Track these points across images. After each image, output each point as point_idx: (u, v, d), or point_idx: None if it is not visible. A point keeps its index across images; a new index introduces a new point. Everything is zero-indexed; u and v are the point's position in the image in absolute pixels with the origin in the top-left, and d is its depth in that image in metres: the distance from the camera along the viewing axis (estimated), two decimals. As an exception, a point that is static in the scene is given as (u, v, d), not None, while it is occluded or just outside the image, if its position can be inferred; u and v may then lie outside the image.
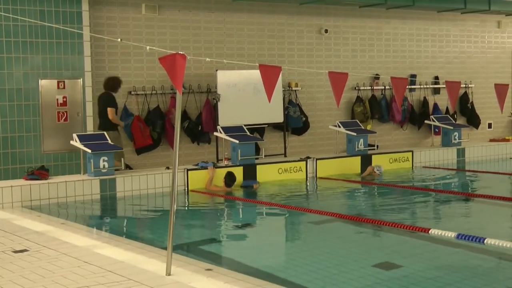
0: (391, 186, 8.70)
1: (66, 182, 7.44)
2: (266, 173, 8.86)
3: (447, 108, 12.16)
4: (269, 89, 4.92)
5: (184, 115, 9.64)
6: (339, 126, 9.96)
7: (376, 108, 11.32)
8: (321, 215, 6.56)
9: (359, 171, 9.65)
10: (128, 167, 8.83)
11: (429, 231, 5.50)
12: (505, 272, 4.72)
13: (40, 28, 8.39)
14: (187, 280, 4.02)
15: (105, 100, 8.26)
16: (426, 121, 11.46)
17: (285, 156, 10.27)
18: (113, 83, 8.40)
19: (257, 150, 9.48)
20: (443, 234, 5.39)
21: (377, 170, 9.33)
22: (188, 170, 8.31)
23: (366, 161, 9.75)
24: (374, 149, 10.13)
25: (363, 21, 11.36)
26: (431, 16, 12.09)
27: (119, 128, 8.46)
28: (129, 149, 9.27)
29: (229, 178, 8.21)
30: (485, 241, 5.05)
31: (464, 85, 12.27)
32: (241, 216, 7.22)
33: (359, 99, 11.23)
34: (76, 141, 7.80)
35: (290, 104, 10.51)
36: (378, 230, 5.98)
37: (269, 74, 4.96)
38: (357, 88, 11.25)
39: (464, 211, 7.20)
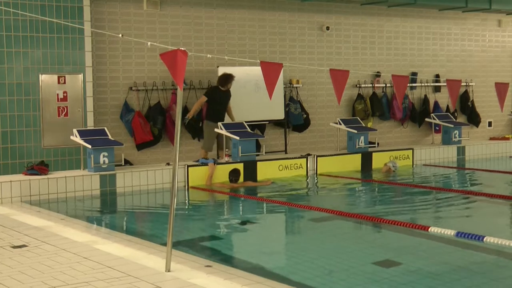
0: (391, 184, 8.69)
1: (66, 177, 7.43)
2: (266, 170, 8.85)
3: (447, 106, 12.15)
4: (270, 86, 4.91)
5: (185, 111, 9.62)
6: (340, 124, 9.95)
7: (377, 105, 11.30)
8: (321, 212, 6.56)
9: (360, 169, 9.65)
10: (128, 163, 8.83)
11: (429, 229, 5.50)
12: (504, 270, 4.72)
13: (41, 22, 8.37)
14: (187, 276, 4.02)
15: (207, 90, 9.09)
16: (426, 119, 11.44)
17: (286, 153, 10.27)
18: (224, 78, 8.95)
19: (258, 146, 9.47)
20: (442, 232, 5.38)
21: (393, 166, 9.38)
22: (188, 166, 8.30)
23: (366, 158, 9.75)
24: (374, 146, 10.13)
25: (364, 18, 11.33)
26: (432, 15, 12.07)
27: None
28: (130, 145, 9.27)
29: (234, 174, 8.22)
30: (484, 239, 5.04)
31: (465, 84, 12.26)
32: (241, 212, 7.22)
33: (360, 97, 11.22)
34: (76, 136, 7.80)
35: (291, 101, 10.50)
36: (378, 227, 5.98)
37: (270, 71, 4.94)
38: (358, 85, 11.24)
39: (464, 209, 7.19)
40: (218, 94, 8.99)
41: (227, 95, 9.09)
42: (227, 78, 9.00)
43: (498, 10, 12.15)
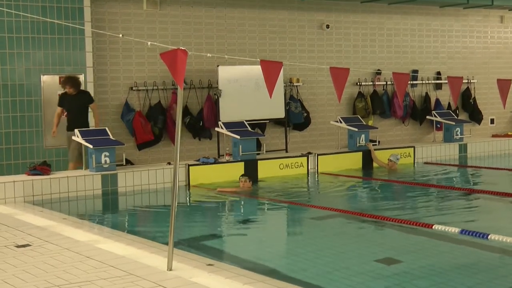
0: (393, 182, 8.69)
1: (68, 177, 7.45)
2: (267, 169, 8.86)
3: (449, 103, 12.13)
4: (270, 85, 4.91)
5: (186, 111, 9.64)
6: (341, 122, 9.95)
7: (378, 103, 11.30)
8: (323, 211, 6.57)
9: (361, 167, 9.65)
10: (129, 162, 8.85)
11: (433, 227, 5.50)
12: (508, 267, 4.71)
13: (42, 23, 8.39)
14: (188, 275, 4.03)
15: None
16: (427, 117, 11.43)
17: (287, 151, 10.27)
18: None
19: (258, 145, 9.48)
20: (446, 229, 5.37)
21: (397, 159, 9.39)
22: (189, 165, 8.32)
23: (367, 156, 9.75)
24: (375, 144, 10.12)
25: (364, 16, 11.33)
26: (433, 11, 12.06)
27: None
28: (131, 145, 9.29)
29: (251, 177, 7.95)
30: (488, 237, 5.03)
31: (466, 81, 12.24)
32: (242, 211, 7.23)
33: (360, 95, 11.22)
34: (77, 136, 7.82)
35: (291, 100, 10.50)
36: (380, 225, 5.99)
37: (271, 69, 4.95)
38: (358, 83, 11.24)
39: (466, 207, 7.19)
40: (66, 99, 8.15)
41: (77, 98, 8.12)
42: (63, 81, 8.21)
43: (500, 6, 12.11)
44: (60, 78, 8.65)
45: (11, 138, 8.41)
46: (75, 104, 8.17)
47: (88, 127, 8.20)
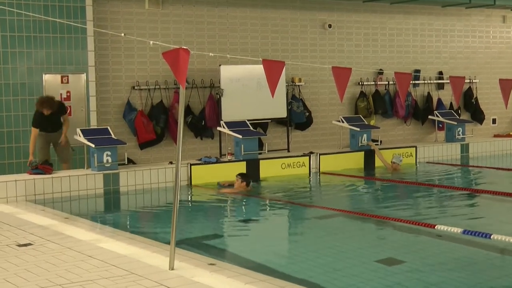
0: (395, 182, 8.69)
1: (69, 176, 7.47)
2: (269, 169, 8.86)
3: (451, 103, 12.12)
4: (272, 84, 4.91)
5: (188, 110, 9.65)
6: (343, 121, 9.95)
7: (380, 103, 11.29)
8: (324, 210, 6.57)
9: (362, 166, 9.64)
10: (131, 162, 8.86)
11: (435, 227, 5.49)
12: (510, 267, 4.71)
13: (44, 22, 8.40)
14: (190, 274, 4.04)
15: (33, 119, 7.85)
16: (430, 117, 11.43)
17: (288, 151, 10.27)
18: (39, 103, 7.80)
19: (260, 145, 9.48)
20: (449, 229, 5.37)
21: (400, 161, 9.33)
22: (191, 165, 8.32)
23: (369, 156, 9.74)
24: (377, 144, 10.12)
25: (367, 16, 11.32)
26: (436, 11, 12.04)
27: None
28: (133, 144, 9.30)
29: (247, 177, 7.78)
30: (491, 237, 5.02)
31: (469, 80, 12.23)
32: (244, 211, 7.24)
33: (362, 94, 11.22)
34: (79, 135, 7.83)
35: (293, 99, 10.50)
36: (381, 225, 5.98)
37: (273, 69, 4.95)
38: (360, 83, 11.23)
39: (469, 207, 7.19)
40: (45, 118, 7.76)
41: (55, 113, 7.83)
42: (40, 104, 7.72)
43: (502, 6, 12.09)
44: (62, 77, 8.65)
45: (13, 137, 8.42)
46: (54, 118, 7.87)
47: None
